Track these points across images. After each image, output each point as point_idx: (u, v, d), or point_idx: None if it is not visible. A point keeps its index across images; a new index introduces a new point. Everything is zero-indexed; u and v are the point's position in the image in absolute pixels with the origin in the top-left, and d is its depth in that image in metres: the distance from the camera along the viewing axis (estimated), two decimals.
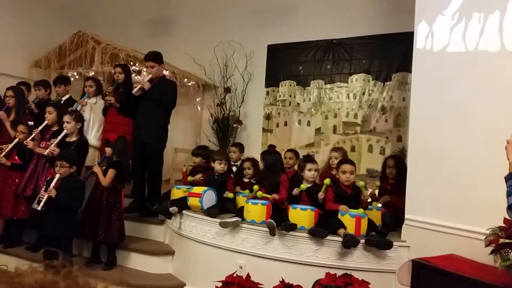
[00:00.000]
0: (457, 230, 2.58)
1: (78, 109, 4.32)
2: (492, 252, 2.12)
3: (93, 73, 5.14)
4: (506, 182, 1.76)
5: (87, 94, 4.47)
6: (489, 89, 2.58)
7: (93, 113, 4.43)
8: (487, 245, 2.16)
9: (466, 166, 2.61)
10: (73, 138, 3.89)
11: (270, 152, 3.81)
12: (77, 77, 5.47)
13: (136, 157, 4.06)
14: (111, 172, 3.58)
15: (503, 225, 2.11)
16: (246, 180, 3.74)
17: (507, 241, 2.05)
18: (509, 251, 2.01)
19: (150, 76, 4.12)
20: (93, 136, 4.36)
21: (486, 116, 2.56)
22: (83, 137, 4.01)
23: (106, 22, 6.09)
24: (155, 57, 4.14)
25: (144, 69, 4.50)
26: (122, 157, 3.69)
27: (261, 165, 3.48)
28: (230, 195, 3.59)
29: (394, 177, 3.69)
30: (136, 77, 4.84)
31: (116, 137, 3.73)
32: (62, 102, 4.50)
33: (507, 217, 1.80)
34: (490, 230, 2.18)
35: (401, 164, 3.64)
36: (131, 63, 5.06)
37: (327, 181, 3.12)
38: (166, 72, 4.76)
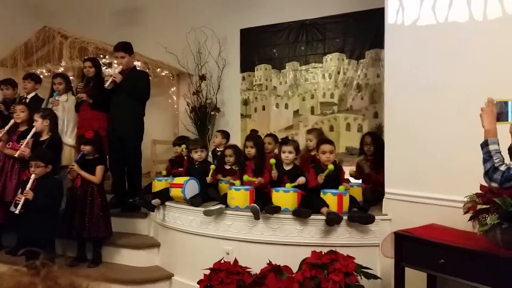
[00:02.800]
0: (436, 200, 2.64)
1: (49, 107, 4.21)
2: (471, 218, 2.18)
3: (62, 69, 4.98)
4: (482, 149, 1.79)
5: (57, 92, 4.33)
6: (460, 60, 2.61)
7: (66, 112, 4.31)
8: (465, 212, 2.21)
9: (442, 137, 2.66)
10: (45, 136, 3.80)
11: (257, 136, 3.80)
12: (46, 74, 5.29)
13: (113, 152, 3.99)
14: (100, 169, 3.59)
15: (480, 191, 2.17)
16: (227, 167, 3.74)
17: (484, 206, 2.10)
18: (487, 216, 2.07)
19: (121, 67, 4.01)
20: (69, 135, 4.25)
21: (459, 86, 2.59)
22: (56, 134, 3.90)
23: (72, 16, 5.89)
24: (125, 47, 4.04)
25: (115, 61, 4.38)
26: (102, 152, 3.68)
27: (251, 150, 3.42)
28: (212, 166, 3.57)
29: (372, 154, 3.74)
30: (107, 70, 4.72)
31: (92, 133, 3.67)
32: (27, 100, 4.35)
33: (484, 184, 1.84)
34: (468, 197, 2.23)
35: (378, 140, 3.68)
36: (101, 56, 4.92)
37: (330, 166, 3.07)
38: (137, 63, 4.65)
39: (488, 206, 2.08)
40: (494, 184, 1.71)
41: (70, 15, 5.87)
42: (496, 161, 1.71)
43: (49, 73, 5.25)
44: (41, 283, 0.70)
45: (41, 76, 4.98)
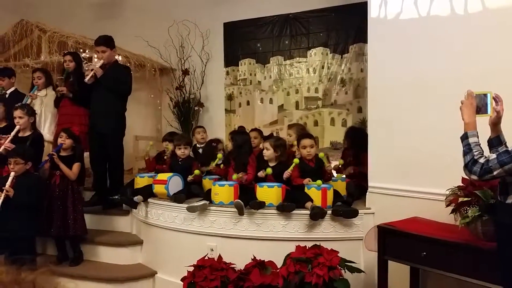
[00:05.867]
0: (419, 193, 2.66)
1: (28, 102, 4.11)
2: (453, 211, 2.20)
3: (41, 64, 4.86)
4: (462, 142, 1.80)
5: (36, 87, 4.25)
6: (442, 54, 2.62)
7: (44, 106, 4.24)
8: (447, 205, 2.23)
9: (425, 131, 2.67)
10: (26, 133, 3.72)
11: (239, 133, 3.81)
12: (25, 69, 5.15)
13: (94, 148, 3.92)
14: (77, 166, 3.54)
15: (462, 184, 2.19)
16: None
17: (465, 199, 2.12)
18: (468, 208, 2.09)
19: (102, 62, 3.93)
20: (46, 130, 4.17)
21: (440, 80, 2.60)
22: (37, 131, 3.83)
23: (51, 9, 5.73)
24: (106, 42, 3.96)
25: (95, 55, 4.29)
26: (79, 150, 3.63)
27: (229, 145, 3.44)
28: (197, 171, 3.53)
29: (348, 147, 3.83)
30: (87, 65, 4.62)
31: (78, 131, 3.69)
32: (7, 96, 4.24)
33: (466, 177, 1.85)
34: (450, 190, 2.25)
35: (355, 133, 3.79)
36: (81, 50, 4.81)
37: (296, 160, 3.11)
38: (118, 57, 4.57)
39: (469, 198, 2.10)
40: (474, 177, 1.71)
41: (49, 8, 5.70)
42: (475, 153, 1.72)
43: (27, 68, 5.12)
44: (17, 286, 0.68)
45: (19, 71, 4.86)
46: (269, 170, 3.17)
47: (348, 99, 4.82)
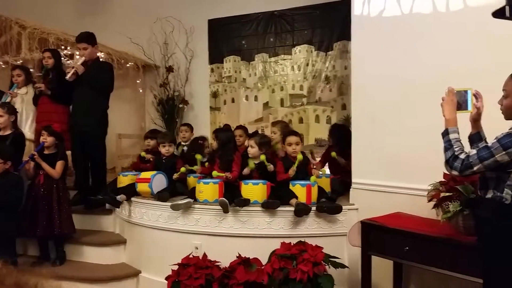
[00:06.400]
0: (402, 189, 2.68)
1: (7, 100, 4.02)
2: (435, 206, 2.23)
3: (21, 61, 4.74)
4: (443, 138, 1.82)
5: (16, 85, 4.15)
6: (425, 51, 2.65)
7: (25, 104, 4.14)
8: (429, 200, 2.26)
9: (407, 127, 2.70)
10: (7, 132, 3.63)
11: (223, 130, 3.80)
12: (3, 66, 5.02)
13: (76, 147, 3.85)
14: (61, 164, 3.48)
15: (443, 180, 2.22)
16: None
17: (447, 194, 2.15)
18: (450, 203, 2.12)
19: (83, 59, 3.86)
20: (27, 129, 4.08)
21: (423, 77, 2.63)
22: (19, 129, 3.75)
23: (31, 5, 5.61)
24: (87, 38, 3.89)
25: (77, 52, 4.22)
26: (62, 149, 3.57)
27: (214, 144, 3.42)
28: (183, 169, 3.51)
29: (332, 144, 3.84)
30: (68, 62, 4.54)
31: (59, 128, 3.63)
32: None
33: (447, 172, 1.88)
34: (432, 185, 2.28)
35: (338, 130, 3.82)
36: (62, 47, 4.72)
37: (299, 156, 3.10)
38: (101, 54, 4.49)
39: (451, 193, 2.13)
40: (455, 172, 1.74)
41: (29, 4, 5.59)
42: (456, 149, 1.74)
43: (6, 66, 4.99)
44: None
45: None
46: (251, 164, 3.17)
47: (333, 96, 4.85)
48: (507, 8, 1.39)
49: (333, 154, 3.57)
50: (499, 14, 1.44)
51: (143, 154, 3.96)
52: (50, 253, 3.60)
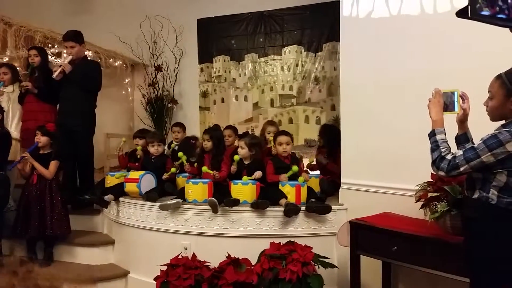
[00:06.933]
0: (390, 189, 2.70)
1: None
2: (422, 206, 2.25)
3: (7, 59, 4.66)
4: (429, 139, 1.83)
5: (2, 82, 4.08)
6: (413, 52, 2.67)
7: (11, 103, 4.08)
8: (417, 200, 2.28)
9: (395, 128, 2.72)
10: None
11: (214, 129, 3.78)
12: None
13: (63, 146, 3.78)
14: (54, 164, 3.46)
15: (431, 180, 2.24)
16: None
17: (435, 194, 2.17)
18: (437, 204, 2.14)
19: (70, 57, 3.82)
20: (13, 128, 4.02)
21: (411, 77, 2.65)
22: (5, 129, 3.68)
23: (18, 1, 5.51)
24: (74, 37, 3.85)
25: (64, 51, 4.16)
26: (57, 149, 3.55)
27: (208, 144, 3.40)
28: (173, 169, 3.49)
29: (323, 145, 3.85)
30: (56, 60, 4.48)
31: (53, 127, 3.59)
32: None
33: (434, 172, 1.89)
34: (420, 186, 2.30)
35: (329, 131, 3.82)
36: (50, 45, 4.65)
37: (295, 168, 3.10)
38: (88, 53, 4.44)
39: (438, 194, 2.15)
40: (441, 173, 1.75)
41: (15, 1, 5.49)
42: (442, 150, 1.76)
43: None
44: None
45: None
46: (236, 157, 3.17)
47: (322, 97, 4.87)
48: (469, 8, 1.41)
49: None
50: (462, 13, 1.45)
51: (139, 148, 3.89)
52: (37, 253, 3.55)
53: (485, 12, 1.42)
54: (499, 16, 1.44)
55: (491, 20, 1.45)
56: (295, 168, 3.10)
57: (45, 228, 3.35)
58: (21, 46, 4.50)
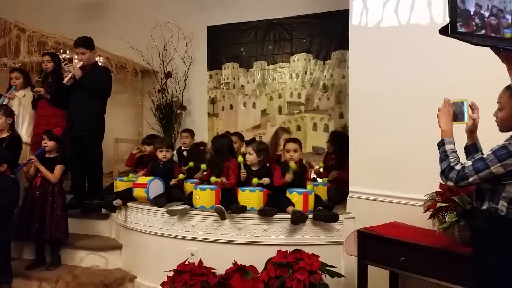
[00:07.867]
0: (398, 198, 2.69)
1: (5, 103, 4.01)
2: (431, 216, 2.23)
3: (19, 64, 4.75)
4: (438, 148, 1.83)
5: (14, 87, 4.15)
6: (422, 62, 2.66)
7: (22, 107, 4.15)
8: (426, 210, 2.27)
9: (404, 137, 2.71)
10: (4, 134, 3.64)
11: (218, 137, 3.81)
12: (2, 68, 5.02)
13: (72, 151, 3.83)
14: (59, 168, 3.48)
15: (440, 190, 2.22)
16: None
17: (443, 205, 2.16)
18: (446, 214, 2.13)
19: (81, 63, 3.88)
20: (24, 132, 4.08)
21: (419, 87, 2.65)
22: (15, 132, 3.75)
23: (31, 8, 5.63)
24: (85, 43, 3.90)
25: (75, 57, 4.23)
26: (64, 153, 3.58)
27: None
28: (181, 175, 3.50)
29: (332, 152, 3.83)
30: (67, 66, 4.54)
31: (60, 131, 3.61)
32: None
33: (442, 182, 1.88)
34: (428, 196, 2.28)
35: (339, 138, 3.78)
36: (61, 51, 4.73)
37: (292, 165, 3.09)
38: (99, 59, 4.50)
39: (447, 204, 2.13)
40: (450, 183, 1.74)
41: (29, 7, 5.60)
42: (451, 160, 1.75)
43: (4, 68, 4.99)
44: None
45: None
46: (240, 159, 3.18)
47: (330, 105, 4.87)
48: (449, 25, 1.41)
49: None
50: (444, 31, 1.46)
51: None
52: (46, 256, 3.58)
53: (463, 30, 1.42)
54: (478, 33, 1.43)
55: (469, 38, 1.45)
56: (292, 165, 3.07)
57: (44, 231, 3.37)
58: (34, 51, 4.58)
